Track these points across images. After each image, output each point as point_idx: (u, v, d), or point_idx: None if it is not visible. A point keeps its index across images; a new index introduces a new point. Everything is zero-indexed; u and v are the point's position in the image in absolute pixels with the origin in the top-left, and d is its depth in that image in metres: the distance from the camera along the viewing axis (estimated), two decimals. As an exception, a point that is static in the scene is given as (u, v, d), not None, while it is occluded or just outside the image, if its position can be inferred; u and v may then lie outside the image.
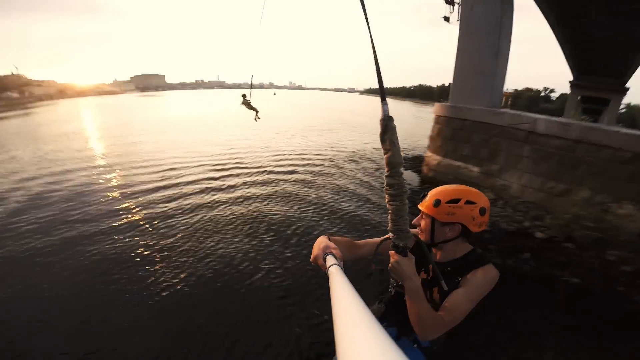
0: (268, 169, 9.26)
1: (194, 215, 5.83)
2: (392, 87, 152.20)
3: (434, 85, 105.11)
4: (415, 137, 16.53)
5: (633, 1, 10.27)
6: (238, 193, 7.14)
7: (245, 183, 7.87)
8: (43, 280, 3.82)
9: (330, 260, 0.92)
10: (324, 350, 2.84)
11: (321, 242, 1.09)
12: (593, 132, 5.66)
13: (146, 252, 4.50)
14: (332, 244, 1.05)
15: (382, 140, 0.88)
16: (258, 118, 8.39)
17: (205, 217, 5.76)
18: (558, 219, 5.55)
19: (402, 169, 0.91)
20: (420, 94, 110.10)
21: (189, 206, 6.26)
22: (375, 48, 0.86)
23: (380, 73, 0.88)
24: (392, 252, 1.03)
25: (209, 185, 7.57)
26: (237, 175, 8.51)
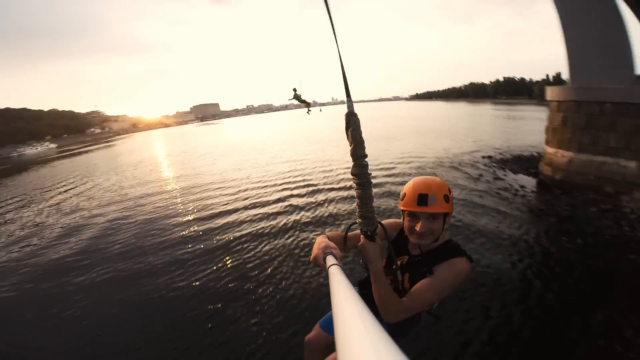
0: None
1: (281, 237, 5.09)
2: (439, 89, 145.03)
3: (487, 82, 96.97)
4: (491, 135, 14.33)
5: None
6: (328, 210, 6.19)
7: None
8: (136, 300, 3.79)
9: (330, 260, 0.92)
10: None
11: (321, 242, 1.08)
12: None
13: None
14: (332, 244, 1.05)
15: (347, 134, 0.96)
16: (309, 111, 8.27)
17: (294, 240, 4.93)
18: None
19: (365, 161, 0.99)
20: (473, 92, 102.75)
21: (271, 228, 5.50)
22: (338, 41, 0.92)
23: (344, 68, 0.95)
24: (362, 235, 1.10)
25: (287, 205, 6.77)
26: (323, 190, 7.60)
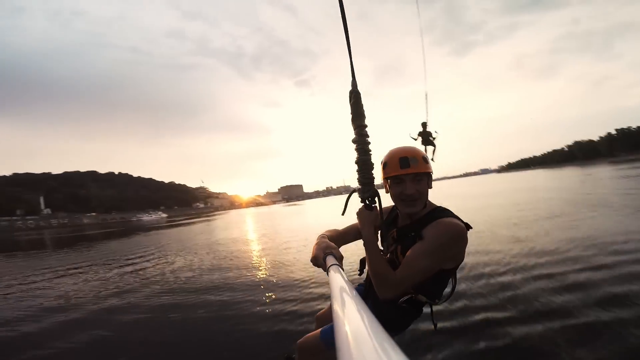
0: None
1: None
2: (537, 154, 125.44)
3: (595, 138, 79.28)
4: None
5: None
6: None
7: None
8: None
9: (330, 260, 0.95)
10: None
11: (321, 242, 1.14)
12: None
13: None
14: (332, 244, 1.11)
15: (351, 107, 1.11)
16: (433, 158, 7.00)
17: None
18: None
19: (365, 130, 1.09)
20: (581, 153, 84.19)
21: None
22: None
23: (351, 54, 1.10)
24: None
25: None
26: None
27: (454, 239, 1.09)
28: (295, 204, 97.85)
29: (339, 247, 1.22)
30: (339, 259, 0.99)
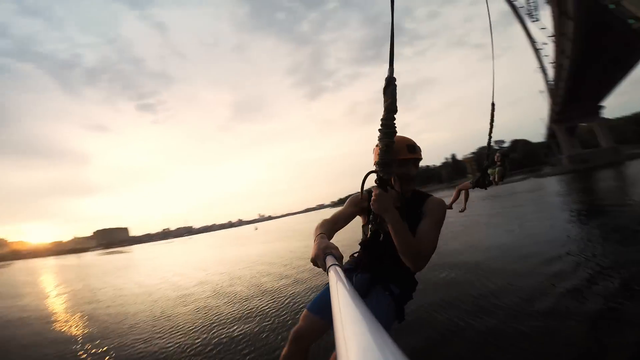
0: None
1: None
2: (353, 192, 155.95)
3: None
4: None
5: None
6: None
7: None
8: None
9: (330, 260, 0.94)
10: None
11: (321, 242, 1.10)
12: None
13: None
14: (332, 244, 1.07)
15: (385, 93, 1.07)
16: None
17: None
18: None
19: (394, 115, 1.09)
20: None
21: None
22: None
23: (393, 38, 1.03)
24: (374, 187, 1.20)
25: None
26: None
27: (445, 211, 1.40)
28: (118, 251, 73.79)
29: (332, 236, 1.30)
30: (339, 259, 0.98)
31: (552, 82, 32.49)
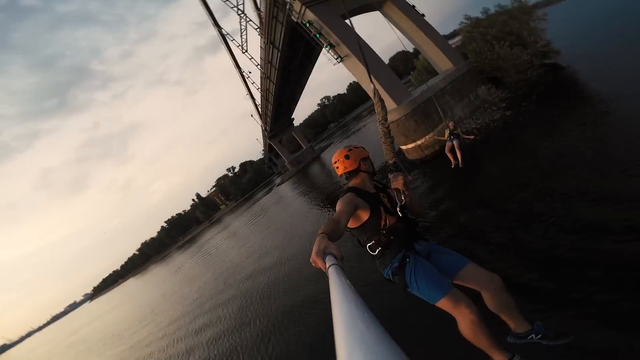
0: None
1: None
2: (117, 268, 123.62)
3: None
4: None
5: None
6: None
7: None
8: None
9: (330, 260, 0.93)
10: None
11: (321, 242, 1.09)
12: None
13: None
14: (332, 244, 1.06)
15: (374, 100, 1.98)
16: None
17: None
18: None
19: (388, 116, 1.81)
20: (152, 250, 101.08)
21: None
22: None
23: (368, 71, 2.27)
24: (395, 174, 1.78)
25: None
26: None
27: None
28: None
29: (339, 234, 1.36)
30: (339, 258, 0.99)
31: (260, 105, 38.74)
